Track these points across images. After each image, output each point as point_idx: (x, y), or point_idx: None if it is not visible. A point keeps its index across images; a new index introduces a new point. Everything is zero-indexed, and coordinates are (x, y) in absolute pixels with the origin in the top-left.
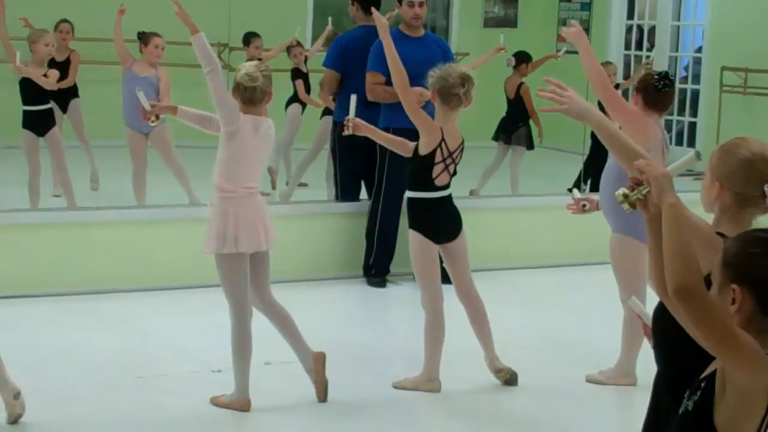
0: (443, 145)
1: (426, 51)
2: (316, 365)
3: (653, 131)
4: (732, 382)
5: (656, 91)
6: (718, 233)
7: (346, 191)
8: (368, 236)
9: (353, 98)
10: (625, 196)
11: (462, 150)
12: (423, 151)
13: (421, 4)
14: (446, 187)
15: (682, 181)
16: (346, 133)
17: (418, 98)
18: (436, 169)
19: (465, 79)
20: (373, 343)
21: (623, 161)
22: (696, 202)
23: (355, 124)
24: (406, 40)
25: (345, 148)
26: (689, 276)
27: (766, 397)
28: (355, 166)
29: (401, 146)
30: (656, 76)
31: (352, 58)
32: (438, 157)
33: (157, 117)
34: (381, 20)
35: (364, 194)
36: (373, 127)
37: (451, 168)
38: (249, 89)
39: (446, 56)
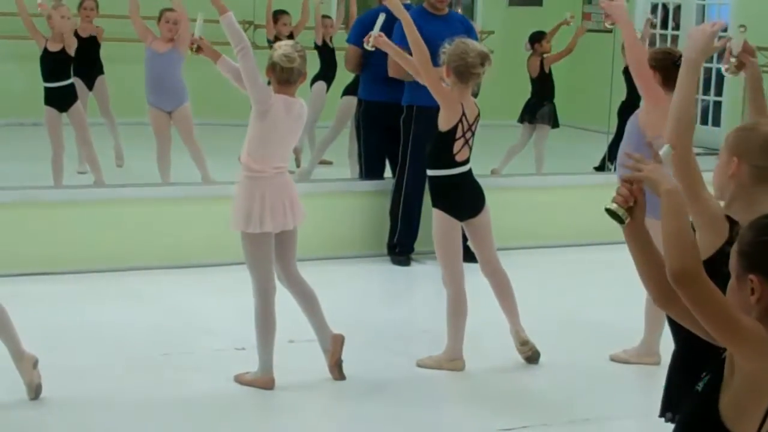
0: (464, 119)
1: (450, 29)
2: (334, 346)
3: None
4: (739, 369)
5: (677, 71)
6: (726, 216)
7: (370, 169)
8: (392, 214)
9: (381, 16)
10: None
11: (478, 121)
12: (444, 127)
13: None
14: (466, 162)
15: (703, 160)
16: (367, 46)
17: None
18: (457, 145)
19: (484, 58)
20: (397, 321)
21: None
22: (710, 182)
23: (377, 42)
24: (430, 18)
25: (369, 125)
26: (687, 261)
27: None
28: (379, 143)
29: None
30: (680, 57)
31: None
32: (459, 132)
33: (199, 50)
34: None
35: (388, 172)
36: (392, 44)
37: (471, 141)
38: (286, 70)
39: (470, 34)
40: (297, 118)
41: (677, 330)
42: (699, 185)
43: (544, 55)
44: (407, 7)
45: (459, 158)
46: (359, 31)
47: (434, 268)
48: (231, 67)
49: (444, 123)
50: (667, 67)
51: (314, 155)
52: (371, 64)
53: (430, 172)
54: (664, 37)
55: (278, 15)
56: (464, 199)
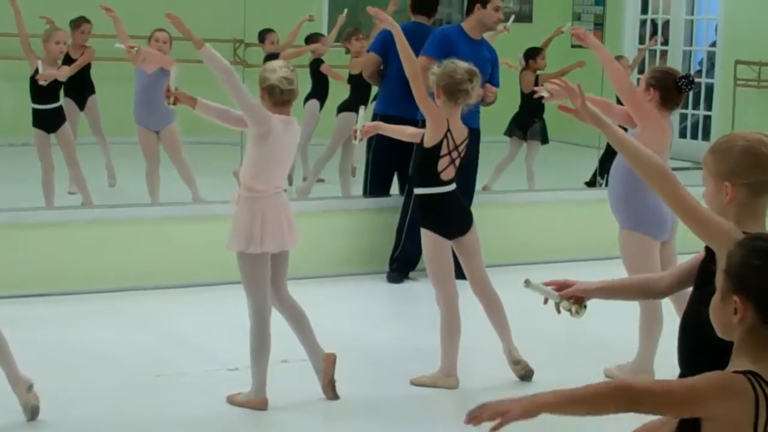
0: (449, 136)
1: (479, 55)
2: (326, 365)
3: (668, 133)
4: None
5: (677, 91)
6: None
7: (375, 185)
8: (398, 230)
9: (362, 110)
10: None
11: (467, 144)
12: (429, 143)
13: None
14: (452, 181)
15: (693, 175)
16: (355, 142)
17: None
18: (442, 163)
19: (472, 74)
20: (391, 339)
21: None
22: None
23: (366, 131)
24: (467, 41)
25: (381, 140)
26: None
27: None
28: (390, 160)
29: (414, 135)
30: (681, 78)
31: (394, 46)
32: (444, 150)
33: (176, 101)
34: (387, 20)
35: (394, 189)
36: (380, 124)
37: (458, 162)
38: (286, 92)
39: (494, 64)
40: (294, 135)
41: (686, 352)
42: (701, 211)
43: (539, 72)
44: (417, 26)
45: (444, 177)
46: (381, 41)
47: (428, 285)
48: (212, 108)
49: (429, 139)
50: (668, 86)
51: (312, 173)
52: (389, 78)
53: (416, 191)
54: (653, 53)
55: (265, 34)
56: (452, 218)
